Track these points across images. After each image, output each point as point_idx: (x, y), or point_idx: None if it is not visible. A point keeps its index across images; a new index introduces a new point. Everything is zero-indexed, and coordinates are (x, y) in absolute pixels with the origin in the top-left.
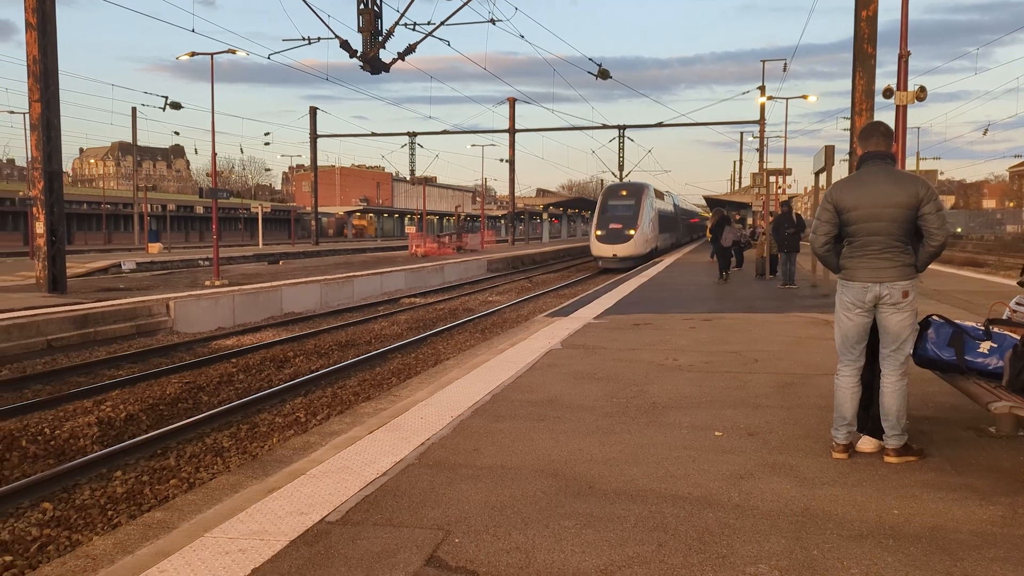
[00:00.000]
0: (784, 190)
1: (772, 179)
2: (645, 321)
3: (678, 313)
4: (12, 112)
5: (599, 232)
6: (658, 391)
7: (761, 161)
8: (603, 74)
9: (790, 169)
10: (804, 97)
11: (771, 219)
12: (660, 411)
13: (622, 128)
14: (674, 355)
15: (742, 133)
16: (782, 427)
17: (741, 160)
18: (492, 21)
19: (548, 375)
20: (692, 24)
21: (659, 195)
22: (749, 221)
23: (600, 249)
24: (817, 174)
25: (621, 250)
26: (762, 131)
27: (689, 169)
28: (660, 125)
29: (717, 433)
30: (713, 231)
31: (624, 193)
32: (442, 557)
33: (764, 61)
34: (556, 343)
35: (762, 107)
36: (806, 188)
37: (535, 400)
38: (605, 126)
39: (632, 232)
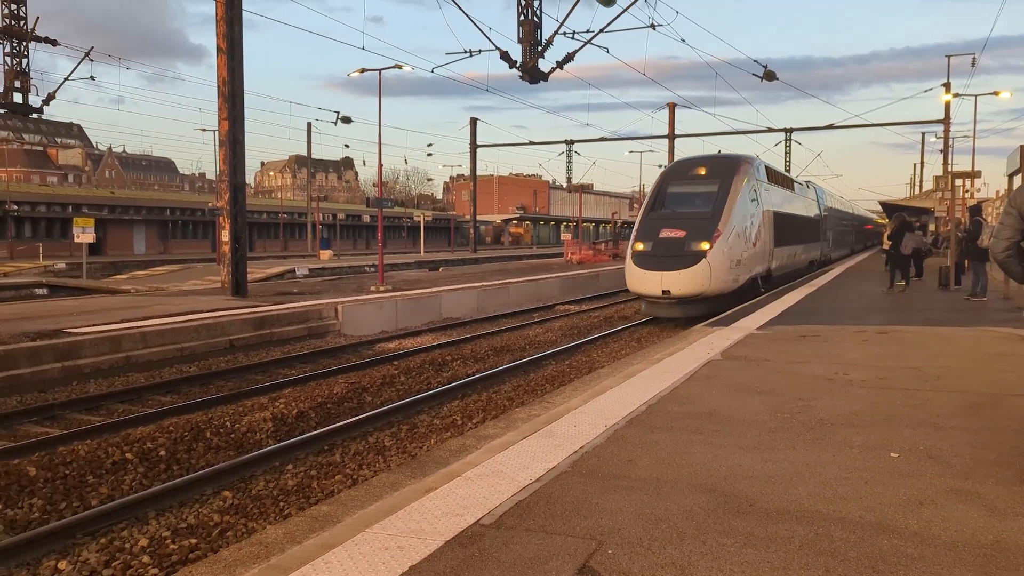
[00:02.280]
0: (972, 194)
1: (958, 182)
2: (812, 333)
3: (849, 325)
4: (204, 130)
5: (640, 246)
6: (826, 407)
7: (945, 163)
8: (769, 75)
9: (979, 171)
10: (995, 94)
11: (963, 225)
12: (828, 428)
13: (789, 131)
14: (844, 369)
15: (923, 134)
16: (968, 451)
17: (922, 163)
18: (652, 26)
19: (707, 387)
20: (868, 19)
21: (777, 178)
22: (931, 227)
23: (640, 279)
24: (1011, 176)
25: (680, 281)
26: (947, 131)
27: (863, 173)
28: (831, 127)
29: (893, 454)
30: (892, 238)
31: (701, 172)
32: (595, 568)
33: (949, 56)
34: (715, 354)
35: (947, 105)
36: (998, 192)
37: (693, 412)
38: (771, 129)
39: (704, 247)
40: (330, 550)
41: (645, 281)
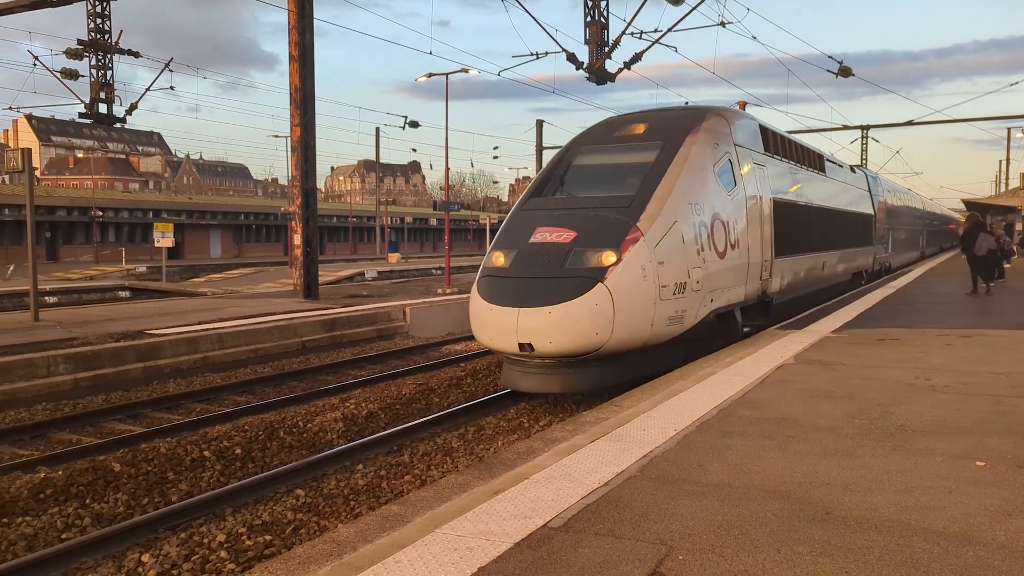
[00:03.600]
0: None
1: None
2: (891, 336)
3: (930, 328)
4: (276, 136)
5: (496, 261)
6: (907, 413)
7: None
8: (844, 71)
9: None
10: None
11: None
12: (909, 435)
13: (865, 128)
14: (926, 374)
15: (1009, 129)
16: None
17: (1008, 159)
18: (722, 24)
19: (780, 391)
20: (949, 11)
21: (786, 149)
22: (1018, 227)
23: (484, 321)
24: None
25: (550, 327)
26: None
27: (945, 171)
28: (910, 123)
29: (979, 463)
30: (965, 239)
31: (637, 132)
32: (665, 573)
33: None
34: (788, 357)
35: None
36: None
37: (765, 417)
38: (846, 127)
39: (605, 260)
40: (400, 549)
41: (491, 324)
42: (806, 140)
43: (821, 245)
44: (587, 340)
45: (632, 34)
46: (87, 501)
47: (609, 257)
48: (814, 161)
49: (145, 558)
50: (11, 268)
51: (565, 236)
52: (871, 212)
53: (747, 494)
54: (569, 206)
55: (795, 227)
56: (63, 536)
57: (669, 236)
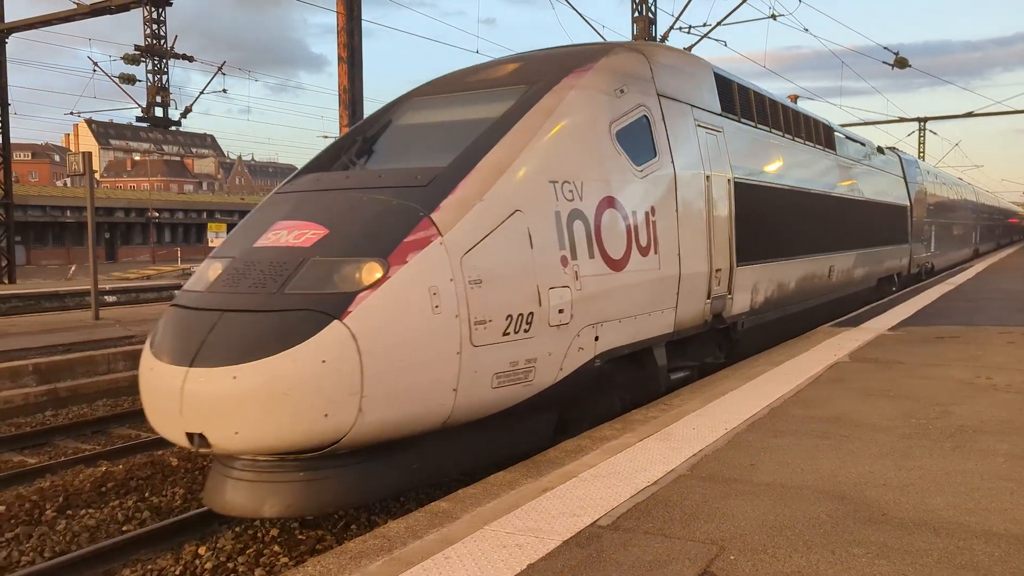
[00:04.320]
0: None
1: None
2: (951, 334)
3: (992, 326)
4: (326, 136)
5: (209, 277)
6: (967, 413)
7: None
8: (900, 63)
9: None
10: None
11: None
12: (969, 435)
13: (922, 121)
14: (987, 373)
15: None
16: None
17: None
18: (773, 17)
19: (833, 390)
20: None
21: (764, 112)
22: None
23: (146, 391)
24: None
25: (235, 405)
26: None
27: (1007, 163)
28: (969, 115)
29: None
30: None
31: (498, 75)
32: (716, 573)
33: None
34: (843, 356)
35: None
36: None
37: (819, 416)
38: (902, 119)
39: (373, 276)
40: (450, 545)
41: (150, 394)
42: (841, 126)
43: (827, 244)
44: (307, 427)
45: (680, 29)
46: (146, 494)
47: (370, 272)
48: (814, 134)
49: (202, 551)
50: (73, 268)
51: (309, 235)
52: (906, 203)
53: (800, 494)
54: (337, 185)
55: (778, 221)
56: (123, 528)
57: (497, 236)
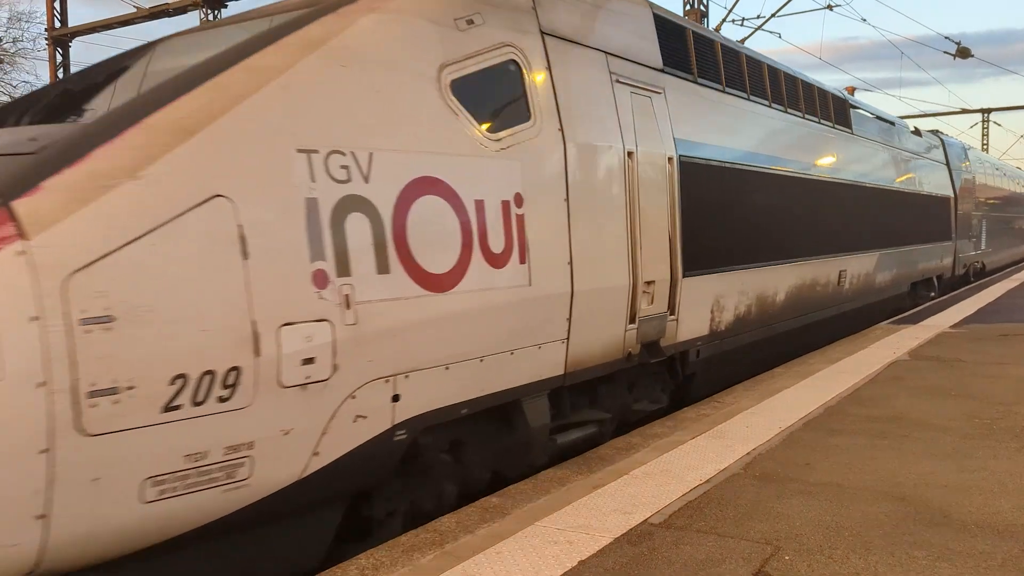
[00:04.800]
0: None
1: None
2: (1016, 331)
3: None
4: None
5: None
6: None
7: None
8: (962, 52)
9: None
10: None
11: None
12: None
13: (986, 112)
14: None
15: None
16: None
17: None
18: (829, 7)
19: (892, 388)
20: None
21: (755, 80)
22: None
23: None
24: None
25: None
26: None
27: None
28: None
29: None
30: None
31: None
32: (771, 573)
33: None
34: (902, 353)
35: None
36: None
37: (876, 415)
38: (964, 111)
39: None
40: (501, 540)
41: None
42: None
43: (836, 244)
44: None
45: (734, 21)
46: None
47: None
48: (819, 107)
49: None
50: None
51: None
52: (949, 194)
53: (857, 495)
54: None
55: (757, 216)
56: None
57: (163, 239)
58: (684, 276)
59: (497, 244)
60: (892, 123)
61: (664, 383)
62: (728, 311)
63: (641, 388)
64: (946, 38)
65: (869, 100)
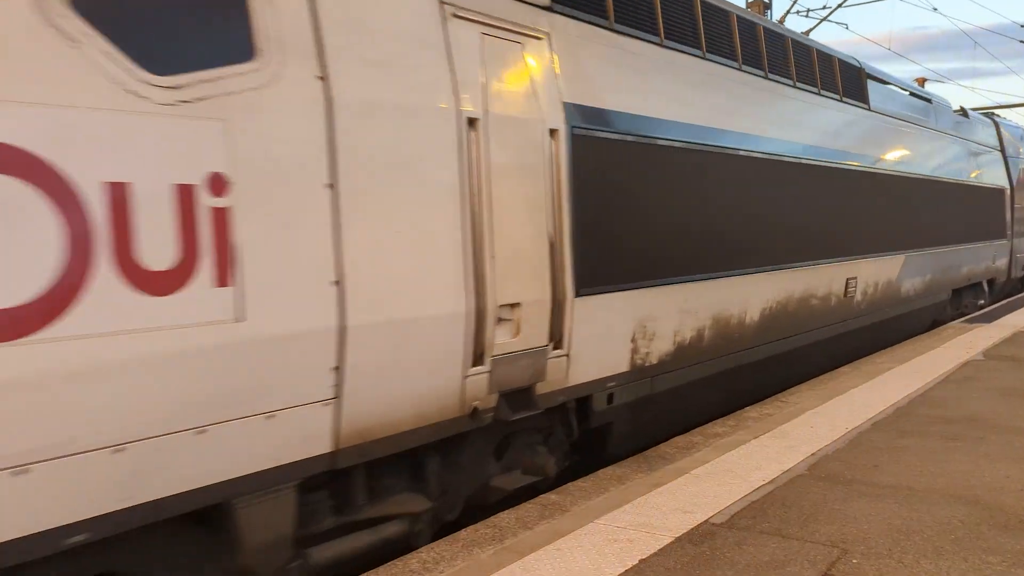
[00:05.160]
0: None
1: None
2: None
3: None
4: None
5: None
6: None
7: None
8: None
9: None
10: None
11: None
12: None
13: None
14: None
15: None
16: None
17: None
18: None
19: (965, 389)
20: None
21: (710, 26)
22: None
23: None
24: None
25: None
26: None
27: None
28: None
29: None
30: None
31: None
32: None
33: None
34: (976, 353)
35: None
36: None
37: (949, 417)
38: None
39: None
40: (560, 537)
41: None
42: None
43: (840, 245)
44: None
45: (799, 12)
46: None
47: None
48: (819, 75)
49: None
50: None
51: None
52: (1004, 185)
53: (928, 498)
54: None
55: (705, 211)
56: None
57: None
58: (579, 295)
59: (159, 255)
60: (929, 100)
61: (557, 442)
62: (663, 338)
63: (515, 453)
64: (1021, 26)
65: (940, 91)
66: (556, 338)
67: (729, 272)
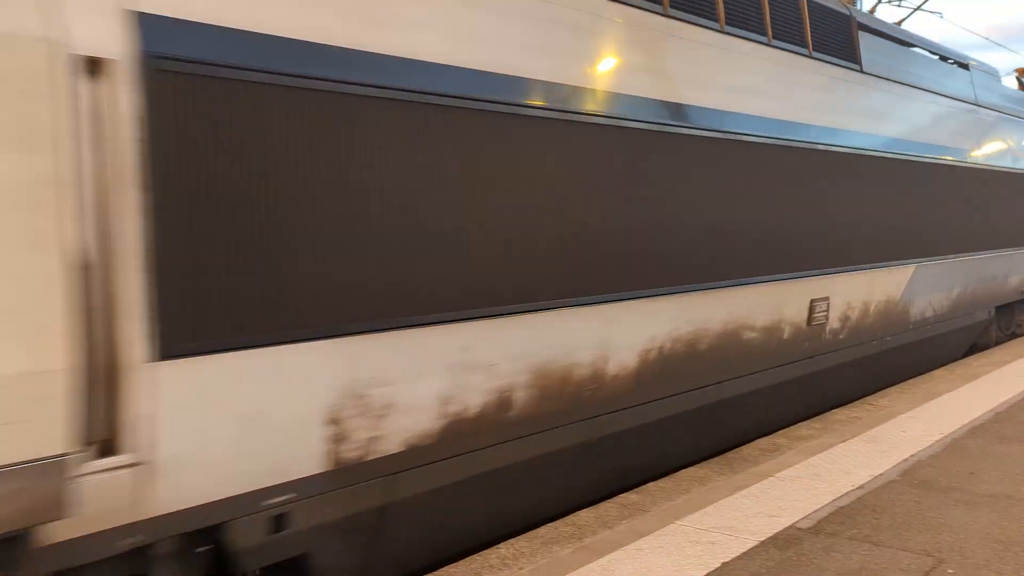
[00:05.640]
0: None
1: None
2: None
3: None
4: None
5: None
6: None
7: None
8: None
9: None
10: None
11: None
12: None
13: None
14: None
15: None
16: None
17: None
18: None
19: None
20: None
21: None
22: None
23: None
24: None
25: None
26: None
27: None
28: None
29: None
30: None
31: None
32: None
33: None
34: None
35: None
36: None
37: None
38: None
39: None
40: (640, 538)
41: None
42: None
43: (792, 257)
44: None
45: (891, 2)
46: None
47: None
48: (785, 22)
49: None
50: None
51: None
52: None
53: None
54: None
55: (496, 210)
56: None
57: None
58: (170, 355)
59: None
60: (964, 65)
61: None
62: (413, 412)
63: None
64: None
65: None
66: (105, 435)
67: (560, 301)
